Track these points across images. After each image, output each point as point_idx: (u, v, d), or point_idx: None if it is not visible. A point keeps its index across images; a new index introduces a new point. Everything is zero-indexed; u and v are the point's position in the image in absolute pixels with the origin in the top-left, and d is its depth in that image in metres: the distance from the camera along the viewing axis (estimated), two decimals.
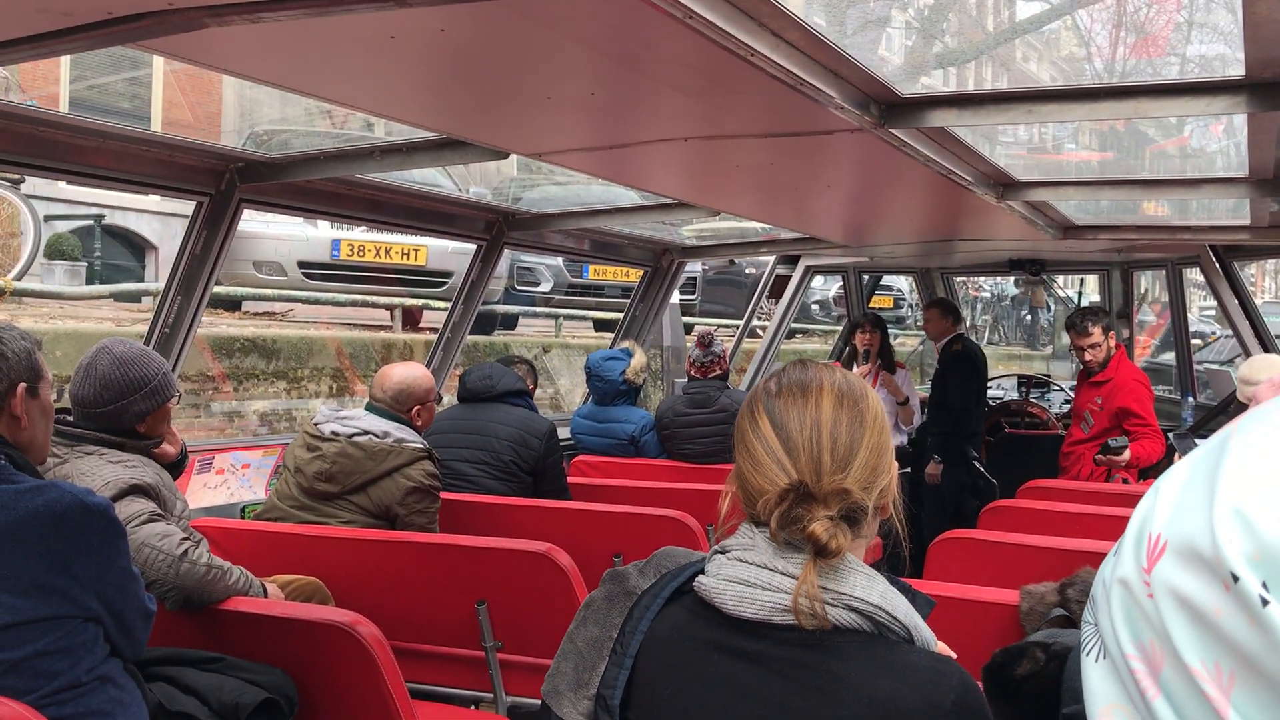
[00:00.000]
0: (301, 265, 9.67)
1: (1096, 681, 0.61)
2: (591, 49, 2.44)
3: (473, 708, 3.82)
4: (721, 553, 1.45)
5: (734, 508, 1.49)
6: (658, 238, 6.75)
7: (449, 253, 9.67)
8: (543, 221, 5.45)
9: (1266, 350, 5.80)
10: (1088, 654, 0.62)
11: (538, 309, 12.08)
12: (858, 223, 6.13)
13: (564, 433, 6.03)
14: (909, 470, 6.50)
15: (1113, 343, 5.70)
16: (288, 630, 2.88)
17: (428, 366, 5.21)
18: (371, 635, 2.75)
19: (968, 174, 4.10)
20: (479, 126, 3.37)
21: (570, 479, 5.30)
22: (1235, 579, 0.53)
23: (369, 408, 4.04)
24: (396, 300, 10.32)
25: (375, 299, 10.22)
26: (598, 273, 11.82)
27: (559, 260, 11.56)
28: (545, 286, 11.82)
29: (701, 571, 1.46)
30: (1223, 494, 0.55)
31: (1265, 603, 0.52)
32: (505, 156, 3.66)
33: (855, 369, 6.43)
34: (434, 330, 7.06)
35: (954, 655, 1.45)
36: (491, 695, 3.60)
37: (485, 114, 3.18)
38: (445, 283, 9.88)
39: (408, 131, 3.69)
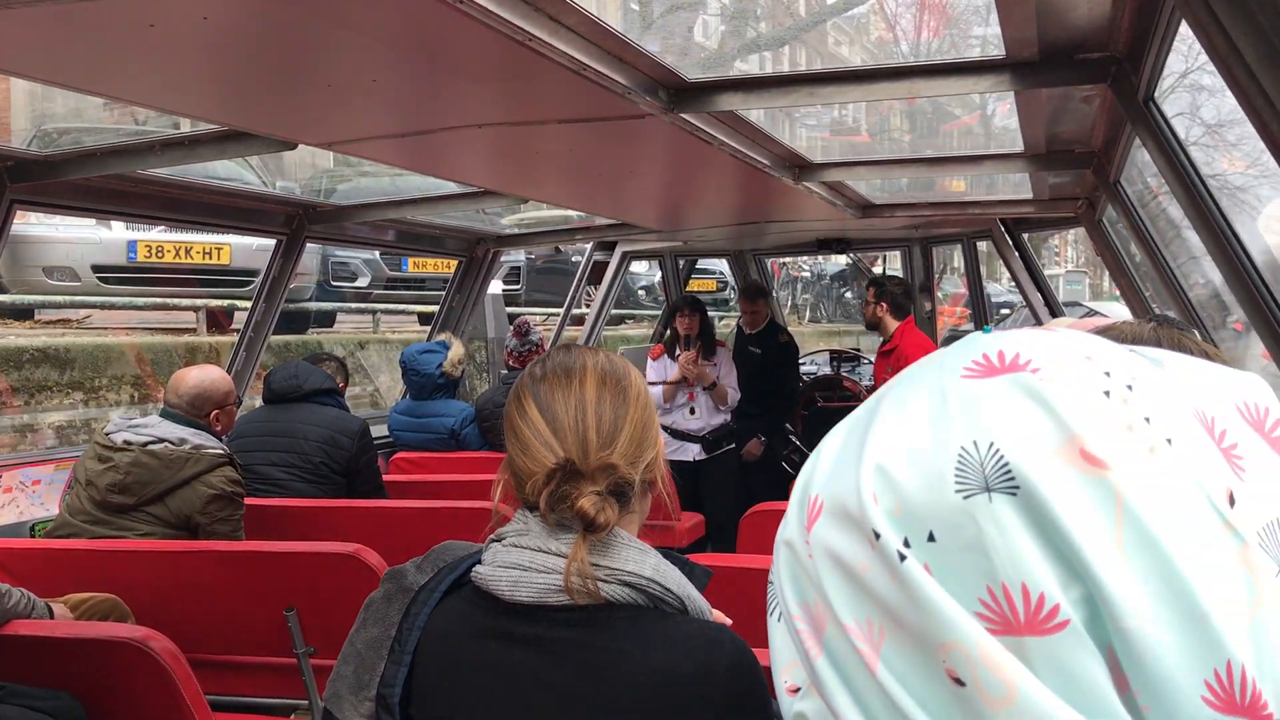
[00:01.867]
0: (96, 269, 9.13)
1: (778, 639, 0.63)
2: (362, 34, 2.38)
3: (291, 716, 3.73)
4: (497, 540, 1.45)
5: (508, 495, 1.49)
6: (472, 227, 6.68)
7: (253, 250, 9.32)
8: (346, 214, 5.30)
9: (1055, 317, 6.14)
10: (771, 613, 0.63)
11: (356, 305, 11.77)
12: (669, 208, 6.19)
13: (382, 430, 5.92)
14: (734, 447, 6.62)
15: (882, 311, 6.01)
16: (75, 651, 2.73)
17: (230, 368, 5.03)
18: (166, 650, 2.64)
19: (764, 158, 4.19)
20: (260, 117, 3.25)
21: (389, 477, 5.21)
22: (877, 535, 0.54)
23: (164, 414, 3.87)
24: (200, 302, 9.89)
25: (177, 301, 9.77)
26: (418, 265, 11.59)
27: (376, 254, 11.29)
28: (362, 281, 11.52)
29: (479, 561, 1.45)
30: (869, 451, 0.57)
31: (903, 558, 0.53)
32: (293, 147, 3.54)
33: (678, 352, 6.51)
34: None
35: (729, 622, 1.48)
36: (306, 702, 3.52)
37: (265, 104, 3.06)
38: (251, 282, 9.51)
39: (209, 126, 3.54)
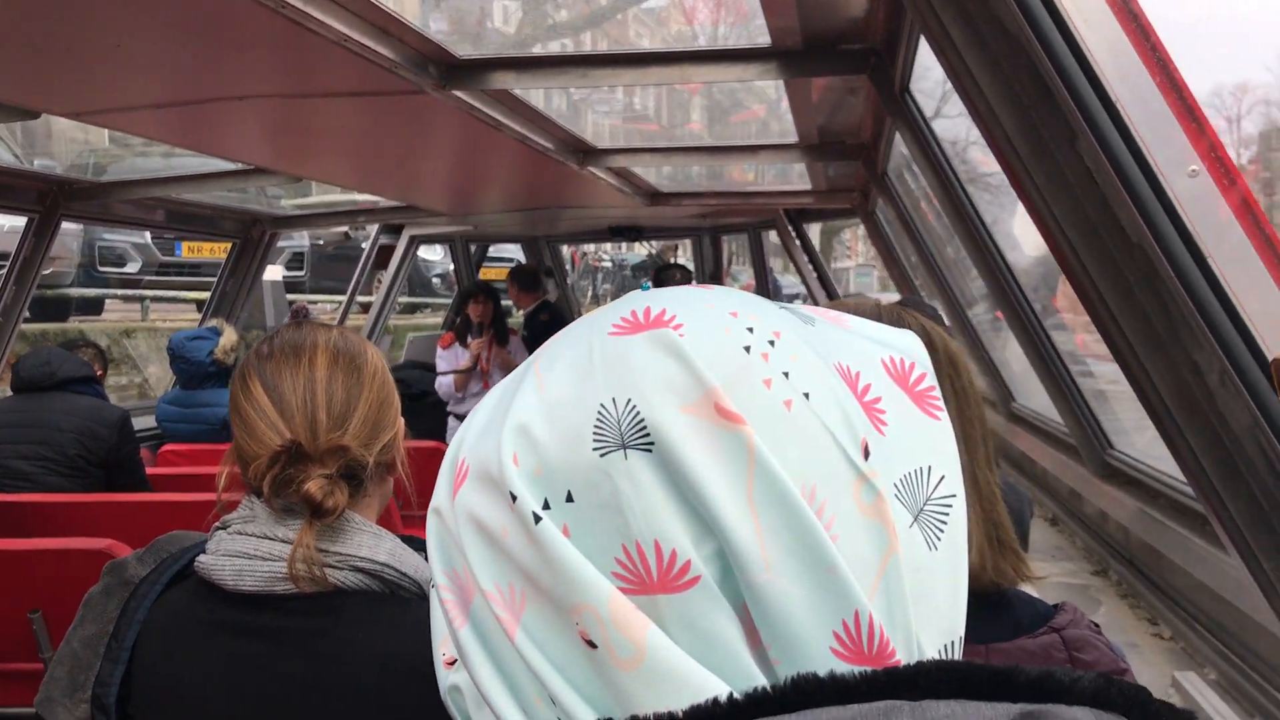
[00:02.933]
0: None
1: (435, 612, 0.60)
2: None
3: None
4: (222, 528, 1.37)
5: (236, 482, 1.41)
6: (247, 208, 6.38)
7: (4, 232, 8.64)
8: (107, 191, 4.98)
9: None
10: (432, 587, 0.61)
11: (123, 291, 11.03)
12: (457, 190, 6.10)
13: (150, 421, 5.61)
14: None
15: None
16: None
17: None
18: None
19: (548, 141, 4.16)
20: None
21: (156, 470, 4.93)
22: (514, 497, 0.52)
23: None
24: None
25: None
26: (194, 250, 11.00)
27: (148, 238, 10.64)
28: (132, 267, 10.84)
29: (204, 551, 1.37)
30: (514, 411, 0.55)
31: (539, 519, 0.52)
32: (36, 116, 3.29)
33: (470, 340, 6.44)
34: None
35: None
36: None
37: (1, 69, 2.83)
38: (3, 265, 8.83)
39: None
